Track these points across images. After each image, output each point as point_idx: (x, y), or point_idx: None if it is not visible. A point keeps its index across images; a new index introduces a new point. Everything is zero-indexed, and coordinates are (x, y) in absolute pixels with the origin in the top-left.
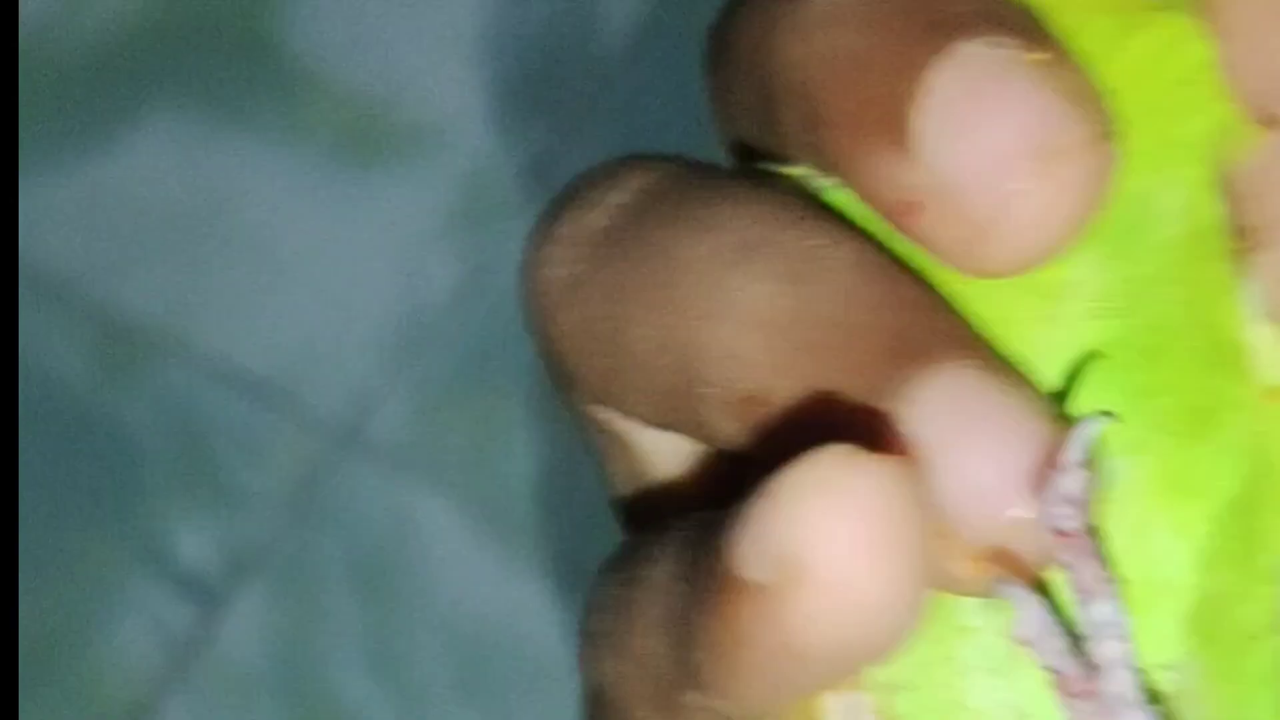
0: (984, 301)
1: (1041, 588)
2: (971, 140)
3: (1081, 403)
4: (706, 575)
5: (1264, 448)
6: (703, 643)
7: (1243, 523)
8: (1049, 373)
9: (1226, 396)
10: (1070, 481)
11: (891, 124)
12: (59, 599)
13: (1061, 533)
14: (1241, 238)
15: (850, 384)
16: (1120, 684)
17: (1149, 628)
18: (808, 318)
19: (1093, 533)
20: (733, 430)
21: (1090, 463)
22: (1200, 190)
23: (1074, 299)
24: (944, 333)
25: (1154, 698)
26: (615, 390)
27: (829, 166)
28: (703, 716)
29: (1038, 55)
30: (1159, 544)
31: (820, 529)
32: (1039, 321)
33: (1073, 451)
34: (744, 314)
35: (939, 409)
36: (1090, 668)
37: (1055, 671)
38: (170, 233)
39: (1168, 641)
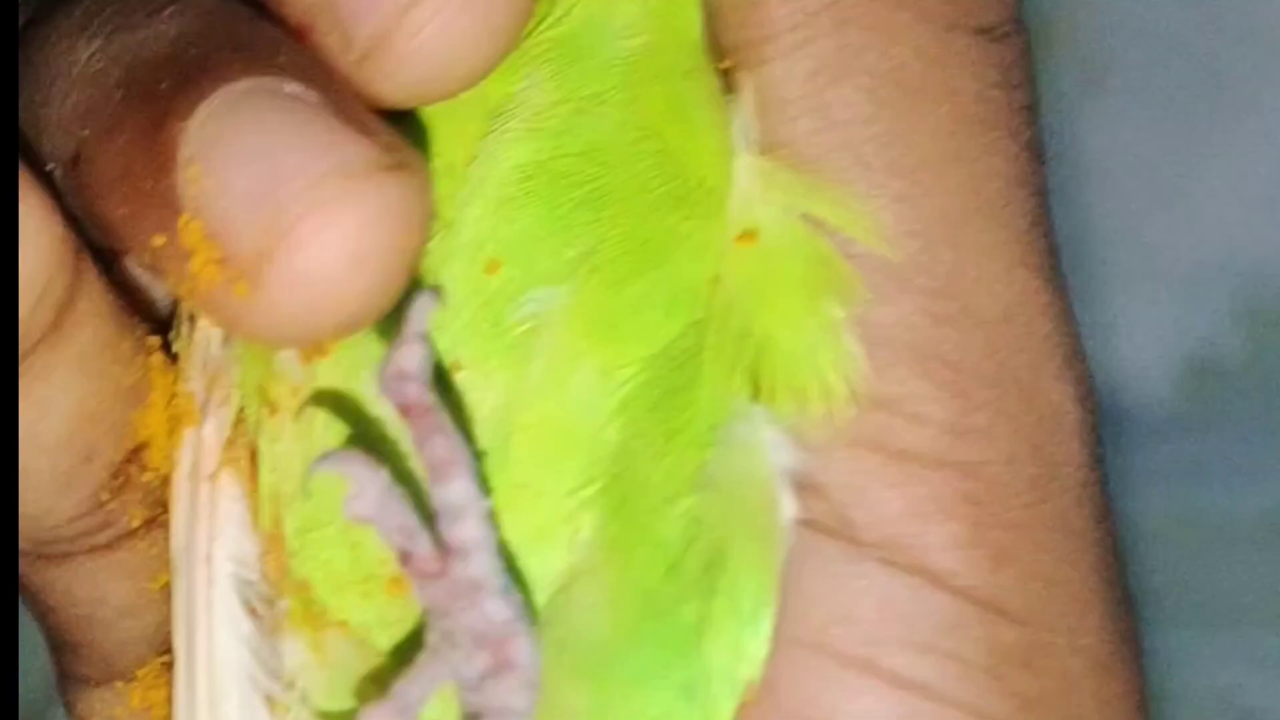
0: (441, 117)
1: (388, 460)
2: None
3: (509, 224)
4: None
5: (722, 294)
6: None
7: (677, 374)
8: (487, 193)
9: (679, 234)
10: (408, 355)
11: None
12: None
13: (405, 408)
14: (722, 57)
15: (149, 112)
16: (476, 568)
17: (554, 476)
18: (120, 64)
19: (438, 407)
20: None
21: (425, 336)
22: (662, 4)
23: (514, 116)
24: (248, 54)
25: (518, 584)
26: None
27: None
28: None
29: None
30: (579, 385)
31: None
32: (480, 137)
33: (411, 325)
34: (70, 72)
35: (211, 124)
36: (443, 549)
37: (403, 552)
38: None
39: (568, 496)
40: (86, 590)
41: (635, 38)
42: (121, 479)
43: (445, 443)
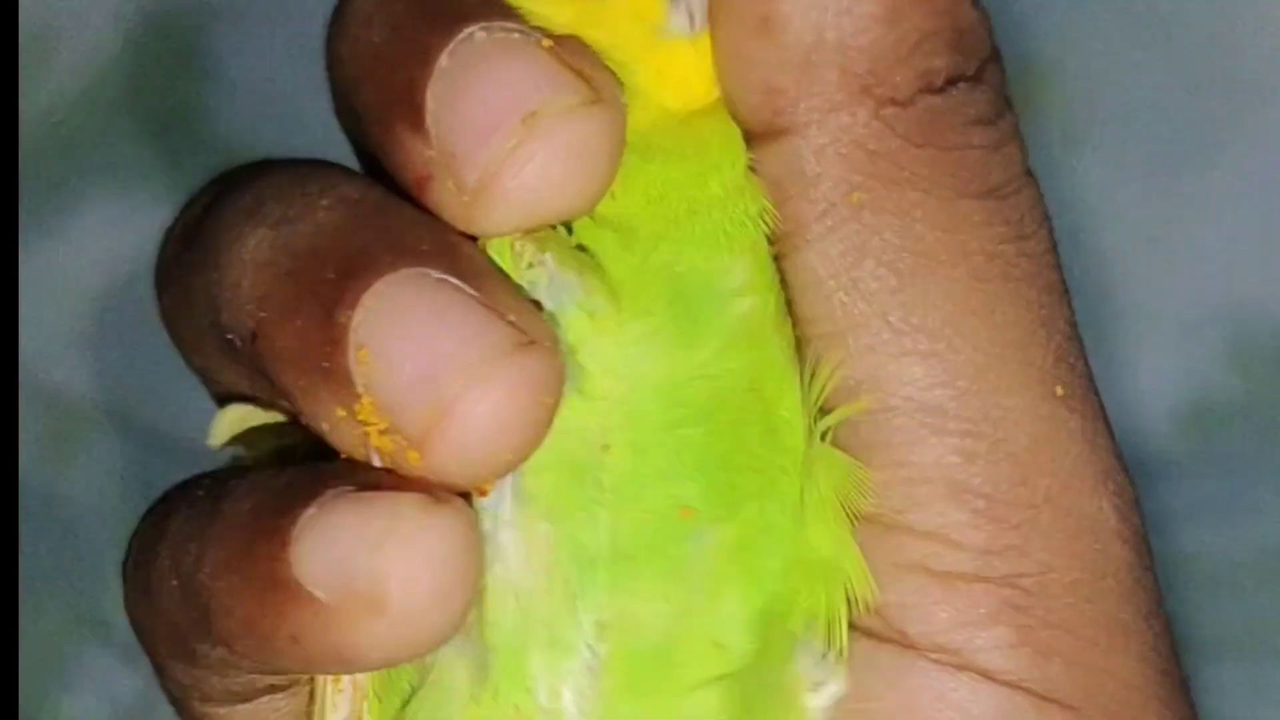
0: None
1: None
2: (464, 107)
3: (668, 473)
4: (241, 556)
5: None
6: (230, 613)
7: (783, 588)
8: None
9: (778, 465)
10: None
11: (408, 105)
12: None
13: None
14: (775, 243)
15: (319, 301)
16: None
17: (690, 689)
18: (286, 253)
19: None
20: (252, 381)
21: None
22: (763, 260)
23: (641, 379)
24: (398, 246)
25: None
26: (196, 361)
27: (376, 151)
28: (222, 668)
29: (541, 38)
30: (724, 609)
31: (399, 570)
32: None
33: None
34: (242, 256)
35: (374, 313)
36: None
37: None
38: (110, 312)
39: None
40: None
41: (746, 298)
42: None
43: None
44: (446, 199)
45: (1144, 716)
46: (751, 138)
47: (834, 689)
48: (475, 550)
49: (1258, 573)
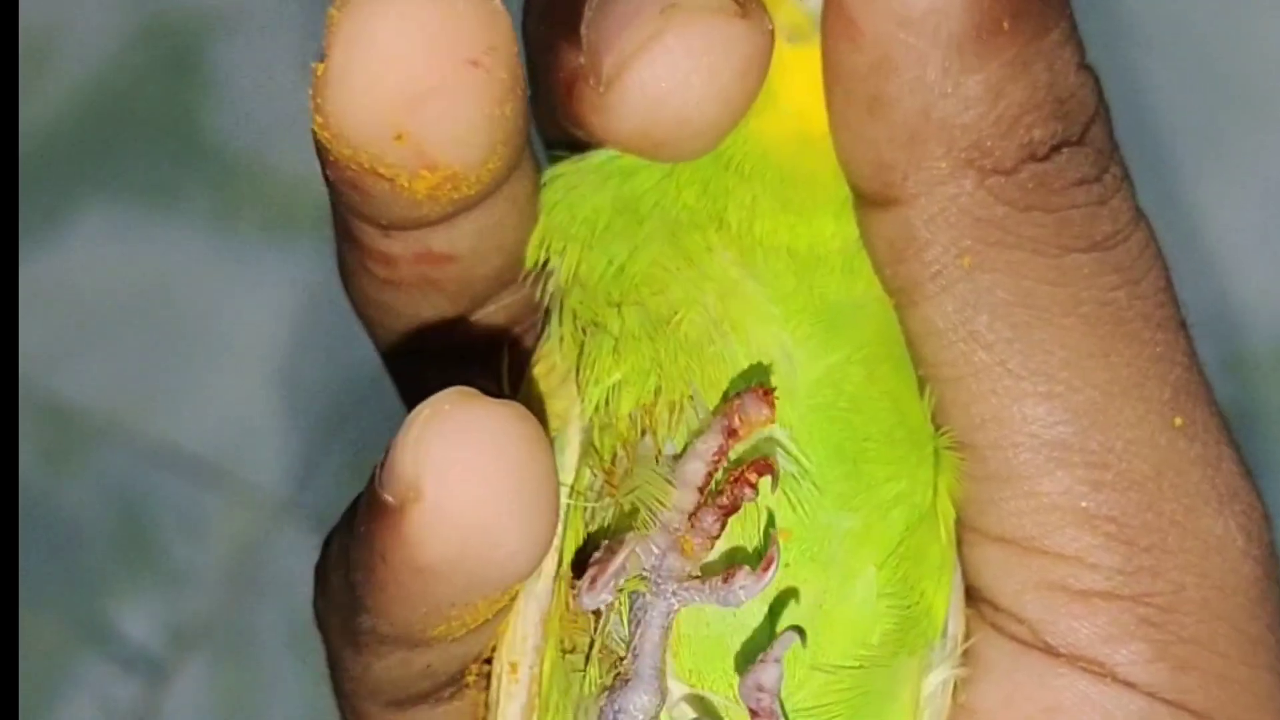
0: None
1: None
2: (612, 7)
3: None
4: (363, 503)
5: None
6: (355, 565)
7: (914, 575)
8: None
9: (911, 462)
10: (769, 673)
11: (569, 20)
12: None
13: (756, 712)
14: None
15: None
16: None
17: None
18: None
19: (777, 712)
20: None
21: (782, 661)
22: (874, 281)
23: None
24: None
25: None
26: None
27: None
28: (376, 644)
29: None
30: (859, 589)
31: (434, 455)
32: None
33: (775, 650)
34: None
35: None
36: None
37: None
38: (108, 321)
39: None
40: None
41: (871, 306)
42: (480, 659)
43: None
44: (585, 95)
45: (1268, 717)
46: (865, 202)
47: (944, 673)
48: (520, 440)
49: None
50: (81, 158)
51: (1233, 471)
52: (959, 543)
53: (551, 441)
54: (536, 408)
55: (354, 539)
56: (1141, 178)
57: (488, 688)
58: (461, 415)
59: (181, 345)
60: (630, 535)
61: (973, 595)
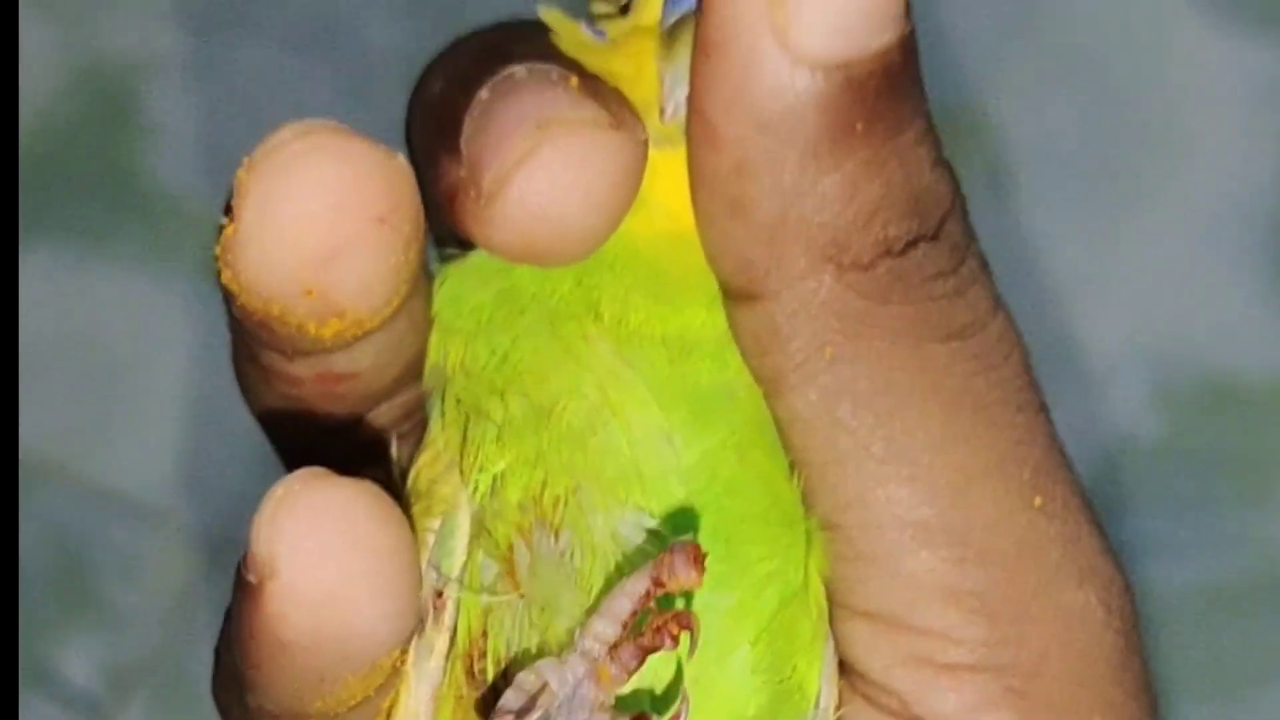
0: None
1: None
2: (490, 124)
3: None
4: (234, 583)
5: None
6: (232, 642)
7: (786, 651)
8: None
9: (783, 542)
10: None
11: (449, 132)
12: None
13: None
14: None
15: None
16: None
17: None
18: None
19: None
20: None
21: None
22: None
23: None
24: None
25: None
26: None
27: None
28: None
29: (574, 76)
30: (734, 666)
31: (286, 534)
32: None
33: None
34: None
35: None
36: None
37: None
38: (45, 363)
39: None
40: None
41: (742, 393)
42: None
43: None
44: (467, 207)
45: None
46: (730, 297)
47: None
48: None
49: (1181, 613)
50: (21, 202)
51: (1093, 548)
52: (831, 619)
53: (411, 520)
54: (423, 495)
55: (229, 618)
56: (1069, 210)
57: None
58: (311, 494)
59: (119, 387)
60: (545, 665)
61: (845, 668)
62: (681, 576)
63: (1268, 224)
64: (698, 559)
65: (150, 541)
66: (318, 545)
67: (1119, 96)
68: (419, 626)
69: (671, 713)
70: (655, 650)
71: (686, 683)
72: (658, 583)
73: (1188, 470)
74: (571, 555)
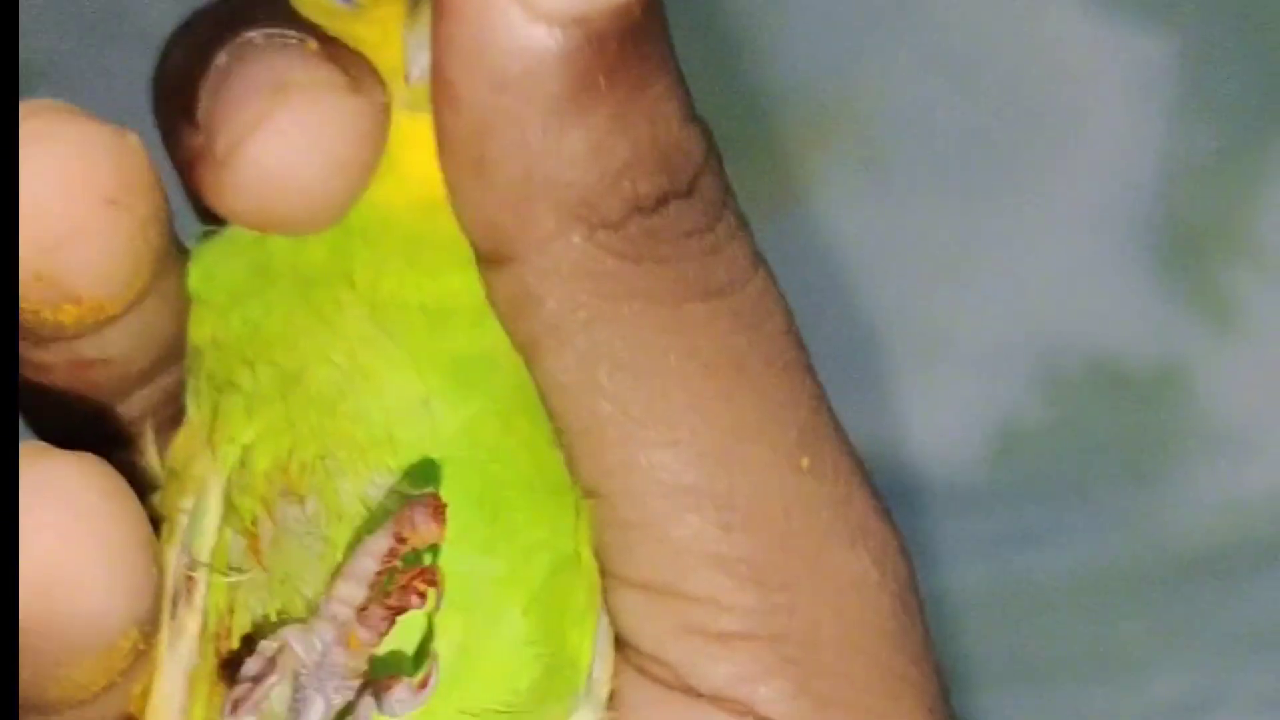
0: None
1: None
2: (226, 89)
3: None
4: None
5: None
6: None
7: (556, 620)
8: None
9: (550, 510)
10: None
11: (186, 100)
12: None
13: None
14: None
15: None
16: None
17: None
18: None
19: None
20: None
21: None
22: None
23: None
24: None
25: None
26: None
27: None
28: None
29: (312, 40)
30: (505, 635)
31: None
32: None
33: (361, 713)
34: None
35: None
36: None
37: None
38: None
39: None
40: None
41: (503, 360)
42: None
43: None
44: (205, 175)
45: None
46: (483, 261)
47: (587, 717)
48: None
49: (1069, 597)
50: None
51: (865, 509)
52: (603, 589)
53: (155, 497)
54: (178, 474)
55: None
56: (945, 199)
57: None
58: (29, 471)
59: None
60: (289, 630)
61: (619, 641)
62: (423, 530)
63: (1150, 210)
64: (438, 511)
65: None
66: (36, 522)
67: (997, 83)
68: (171, 609)
69: (423, 673)
70: (403, 610)
71: (451, 651)
72: (400, 539)
73: (1073, 455)
74: (318, 523)
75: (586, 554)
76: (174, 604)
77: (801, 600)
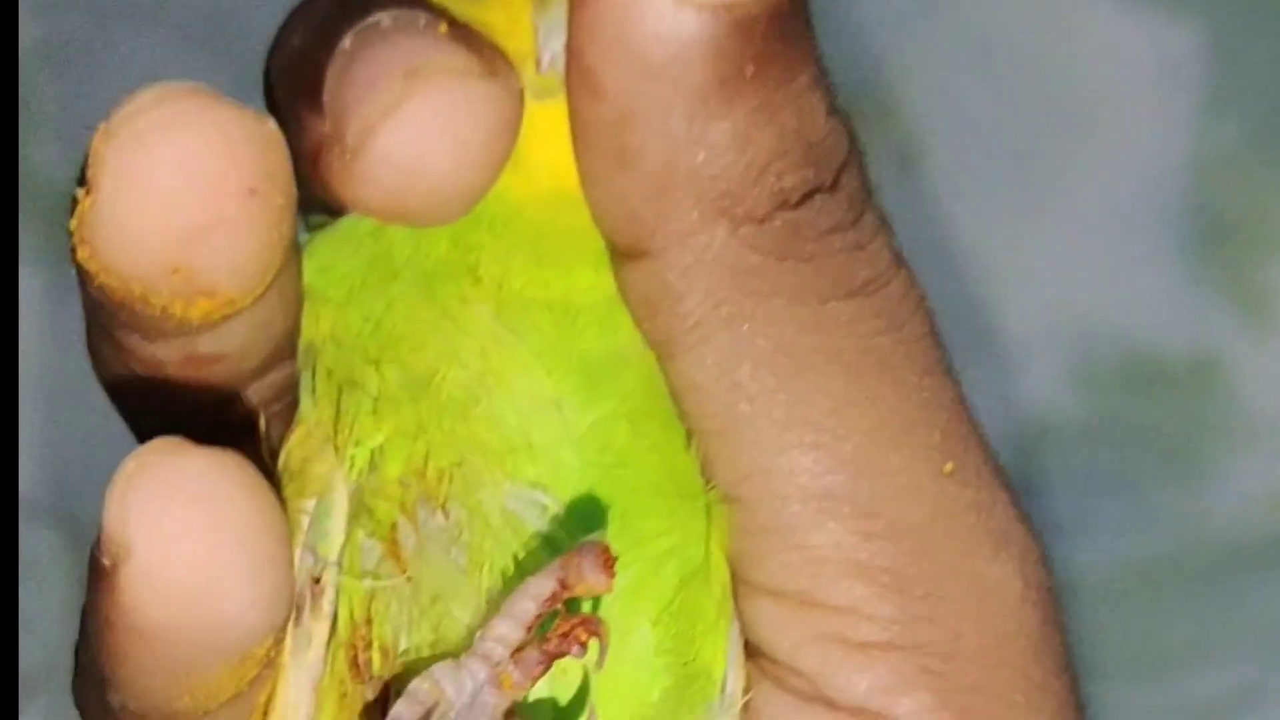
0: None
1: None
2: (354, 73)
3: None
4: (89, 568)
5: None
6: (90, 635)
7: (688, 630)
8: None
9: (681, 516)
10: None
11: (310, 86)
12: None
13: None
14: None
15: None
16: None
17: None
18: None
19: None
20: None
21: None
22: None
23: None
24: None
25: None
26: None
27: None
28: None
29: (444, 22)
30: (635, 648)
31: (140, 511)
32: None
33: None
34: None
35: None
36: None
37: None
38: None
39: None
40: None
41: (634, 359)
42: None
43: None
44: (332, 164)
45: None
46: (619, 256)
47: None
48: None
49: (1106, 591)
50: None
51: (1007, 515)
52: (735, 597)
53: (280, 496)
54: (296, 474)
55: (86, 608)
56: (981, 189)
57: None
58: (166, 466)
59: (20, 393)
60: (441, 670)
61: (752, 650)
62: (590, 580)
63: (1181, 202)
64: (608, 562)
65: (52, 545)
66: (175, 522)
67: (1029, 77)
68: (295, 614)
69: None
70: (561, 656)
71: (593, 693)
72: (564, 585)
73: (1109, 449)
74: (460, 533)
75: (718, 561)
76: (298, 610)
77: (943, 610)
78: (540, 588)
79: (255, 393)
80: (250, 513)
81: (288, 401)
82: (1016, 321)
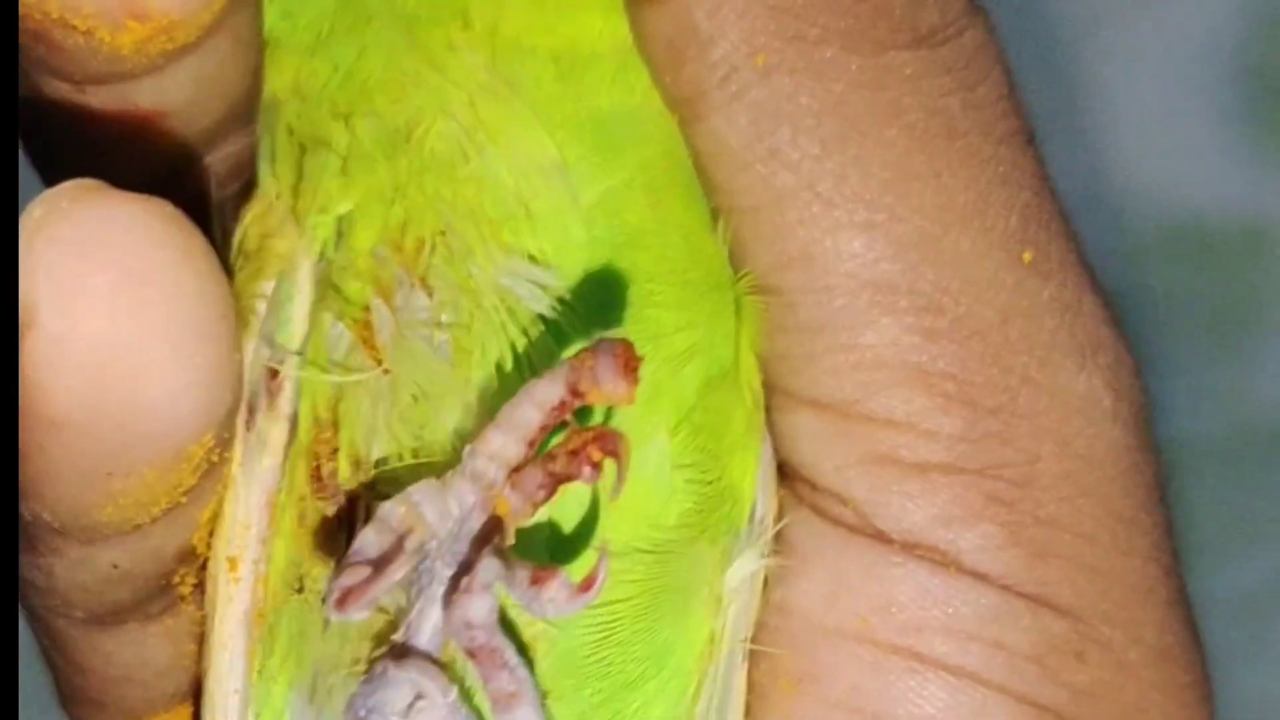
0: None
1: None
2: None
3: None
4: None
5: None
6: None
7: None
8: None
9: (706, 309)
10: (476, 606)
11: None
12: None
13: (472, 651)
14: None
15: None
16: None
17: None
18: None
19: (504, 646)
20: None
21: (492, 587)
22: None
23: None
24: None
25: None
26: None
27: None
28: (48, 538)
29: None
30: (649, 460)
31: (48, 268)
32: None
33: (479, 578)
34: None
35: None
36: None
37: None
38: None
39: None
40: (131, 654)
41: (652, 121)
42: (188, 561)
43: (510, 677)
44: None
45: (1148, 622)
46: None
47: (751, 563)
48: (173, 249)
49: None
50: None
51: (1096, 316)
52: (768, 408)
53: (212, 248)
54: (253, 254)
55: None
56: (1021, 62)
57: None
58: (82, 213)
59: None
60: (420, 491)
61: (787, 472)
62: (607, 386)
63: (1233, 62)
64: (630, 364)
65: None
66: (88, 280)
67: None
68: (247, 415)
69: (586, 574)
70: (569, 480)
71: (602, 523)
72: (575, 391)
73: (1151, 323)
74: (446, 315)
75: (749, 363)
76: (250, 410)
77: (1018, 427)
78: (546, 393)
79: (209, 166)
80: (183, 274)
81: (247, 180)
82: (1061, 187)
